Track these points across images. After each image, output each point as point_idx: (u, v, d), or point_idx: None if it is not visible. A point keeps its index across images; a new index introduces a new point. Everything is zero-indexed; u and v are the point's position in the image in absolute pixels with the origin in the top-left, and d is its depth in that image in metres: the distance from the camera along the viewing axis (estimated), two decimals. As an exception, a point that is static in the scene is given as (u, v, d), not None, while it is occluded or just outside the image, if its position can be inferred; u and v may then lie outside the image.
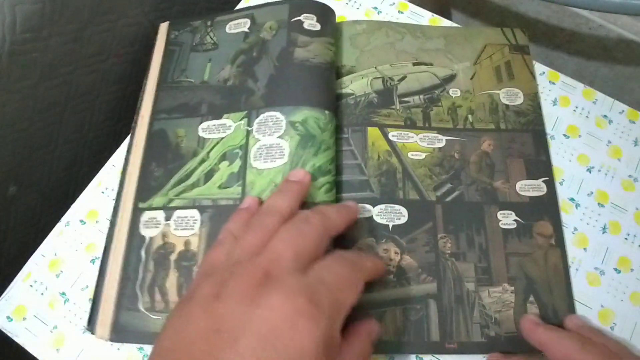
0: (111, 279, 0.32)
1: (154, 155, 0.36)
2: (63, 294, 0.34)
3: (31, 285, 0.34)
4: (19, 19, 0.32)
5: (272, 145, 0.34)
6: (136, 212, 0.34)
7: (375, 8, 0.43)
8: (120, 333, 0.31)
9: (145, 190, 0.35)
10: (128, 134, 0.38)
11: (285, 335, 0.22)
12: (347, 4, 0.43)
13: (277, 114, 0.34)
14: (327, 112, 0.34)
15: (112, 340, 0.31)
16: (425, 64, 0.40)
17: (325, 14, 0.38)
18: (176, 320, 0.24)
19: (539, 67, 0.40)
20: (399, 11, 0.43)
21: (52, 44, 0.35)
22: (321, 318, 0.22)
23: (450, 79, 0.39)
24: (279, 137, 0.34)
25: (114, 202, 0.35)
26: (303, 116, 0.34)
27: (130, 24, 0.41)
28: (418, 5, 0.43)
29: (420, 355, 0.31)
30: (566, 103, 0.39)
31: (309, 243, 0.26)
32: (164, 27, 0.42)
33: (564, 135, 0.38)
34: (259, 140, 0.34)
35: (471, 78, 0.39)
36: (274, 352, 0.21)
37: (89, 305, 0.33)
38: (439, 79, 0.39)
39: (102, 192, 0.37)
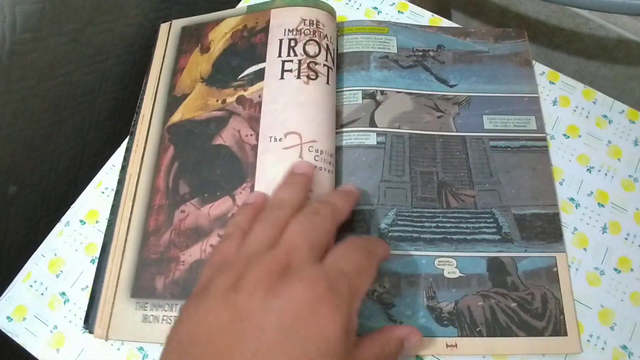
0: (111, 278, 0.32)
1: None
2: (63, 294, 0.34)
3: (31, 285, 0.34)
4: (19, 19, 0.32)
5: None
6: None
7: (375, 8, 0.43)
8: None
9: None
10: (128, 134, 0.38)
11: (308, 323, 0.22)
12: (347, 4, 0.43)
13: None
14: None
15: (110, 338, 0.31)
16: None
17: None
18: (193, 312, 0.24)
19: (539, 67, 0.40)
20: (398, 11, 0.43)
21: (52, 44, 0.35)
22: (341, 304, 0.23)
23: None
24: None
25: (112, 201, 0.35)
26: None
27: (130, 24, 0.41)
28: (418, 5, 0.43)
29: (420, 355, 0.31)
30: (566, 103, 0.39)
31: (322, 234, 0.27)
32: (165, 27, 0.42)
33: (564, 135, 0.38)
34: None
35: None
36: (298, 340, 0.22)
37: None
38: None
39: (102, 192, 0.37)
